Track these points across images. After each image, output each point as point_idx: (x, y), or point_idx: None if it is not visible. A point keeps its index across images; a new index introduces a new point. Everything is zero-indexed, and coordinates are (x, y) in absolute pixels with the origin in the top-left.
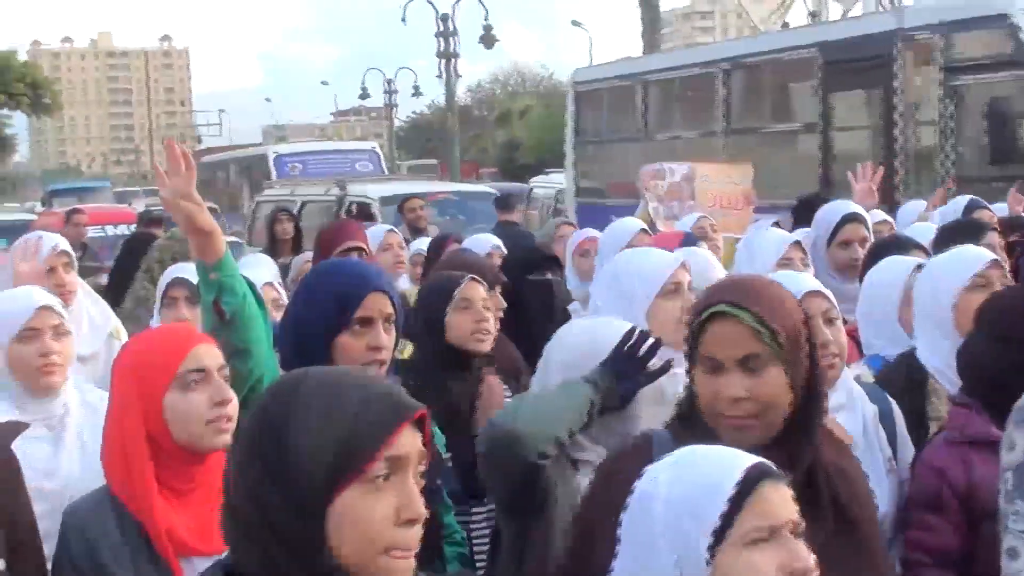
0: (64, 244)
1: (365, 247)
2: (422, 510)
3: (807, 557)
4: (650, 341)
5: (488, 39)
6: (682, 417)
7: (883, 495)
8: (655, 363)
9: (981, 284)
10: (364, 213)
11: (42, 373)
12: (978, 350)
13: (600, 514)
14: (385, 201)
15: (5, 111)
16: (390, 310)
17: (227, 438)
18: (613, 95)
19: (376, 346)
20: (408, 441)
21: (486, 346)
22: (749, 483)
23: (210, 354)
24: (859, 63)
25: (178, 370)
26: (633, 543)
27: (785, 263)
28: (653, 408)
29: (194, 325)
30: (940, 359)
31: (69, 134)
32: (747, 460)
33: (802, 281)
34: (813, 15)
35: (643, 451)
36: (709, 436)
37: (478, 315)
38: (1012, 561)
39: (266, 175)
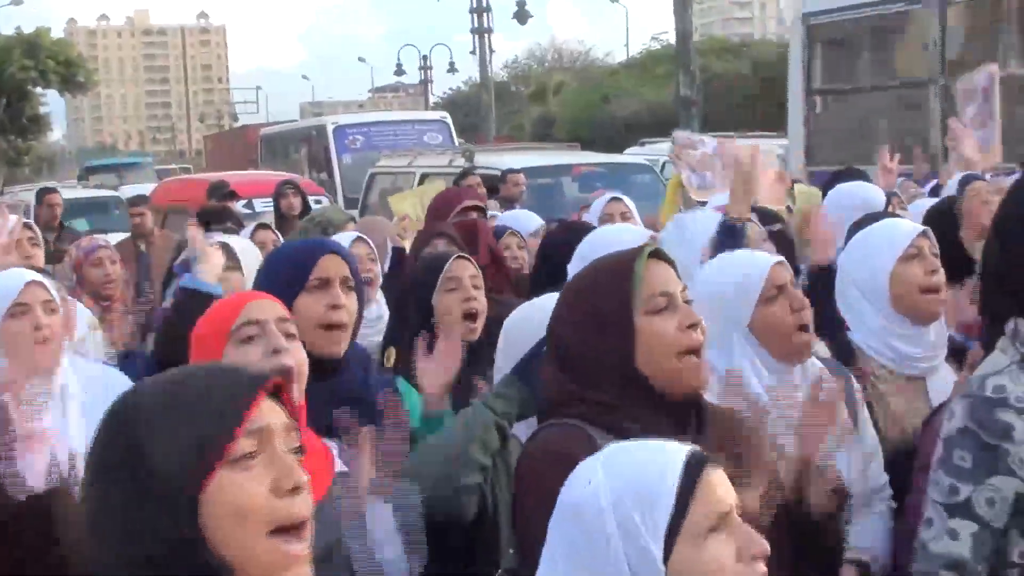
0: (25, 219)
1: (484, 206)
2: (302, 477)
3: (760, 539)
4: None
5: (522, 15)
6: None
7: (845, 463)
8: None
9: (913, 255)
10: (491, 188)
11: (35, 348)
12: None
13: None
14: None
15: (39, 89)
16: (347, 273)
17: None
18: (877, 28)
19: (335, 304)
20: (268, 413)
21: (475, 332)
22: (692, 472)
23: (265, 307)
24: None
25: (232, 326)
26: (574, 552)
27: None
28: None
29: (230, 288)
30: (872, 334)
31: (106, 113)
32: (681, 449)
33: (766, 255)
34: None
35: (582, 435)
36: (648, 392)
37: (465, 294)
38: (926, 530)
39: (325, 148)
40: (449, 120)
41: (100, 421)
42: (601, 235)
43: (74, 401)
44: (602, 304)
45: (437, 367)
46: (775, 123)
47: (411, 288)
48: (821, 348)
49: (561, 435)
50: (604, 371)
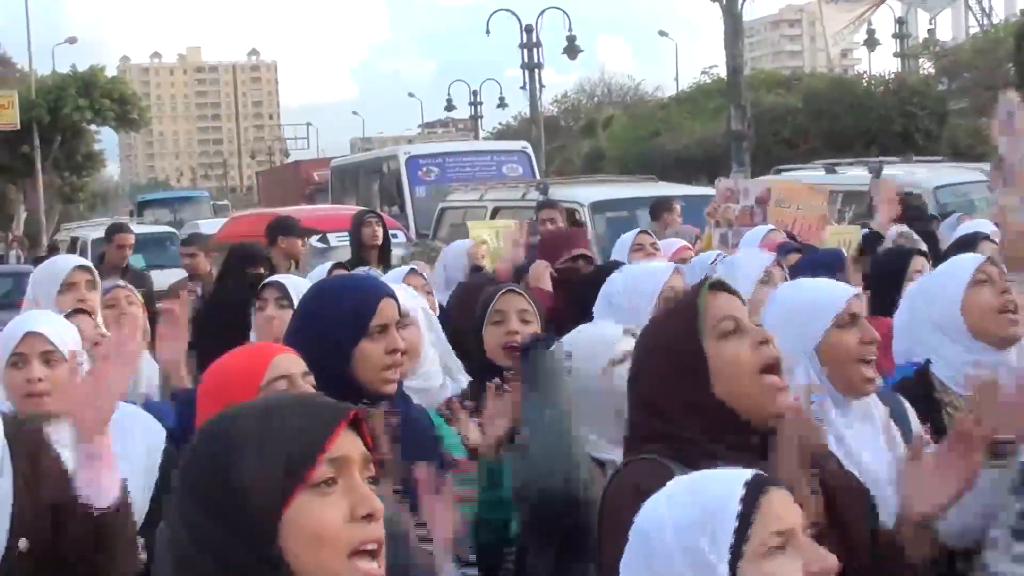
0: (82, 260)
1: (592, 255)
2: (377, 504)
3: (827, 556)
4: None
5: (572, 50)
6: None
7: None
8: None
9: (982, 280)
10: (570, 221)
11: (29, 401)
12: None
13: None
14: (597, 207)
15: (93, 127)
16: (399, 315)
17: None
18: None
19: (394, 348)
20: (347, 443)
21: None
22: (754, 493)
23: (292, 361)
24: None
25: (262, 381)
26: None
27: (765, 279)
28: None
29: (281, 326)
30: (951, 365)
31: (158, 149)
32: (743, 474)
33: (843, 284)
34: (900, 22)
35: (662, 469)
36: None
37: (508, 328)
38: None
39: (397, 180)
40: (530, 151)
41: (192, 442)
42: (626, 272)
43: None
44: (671, 339)
45: (489, 421)
46: (823, 156)
47: (466, 322)
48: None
49: (643, 471)
50: (682, 405)
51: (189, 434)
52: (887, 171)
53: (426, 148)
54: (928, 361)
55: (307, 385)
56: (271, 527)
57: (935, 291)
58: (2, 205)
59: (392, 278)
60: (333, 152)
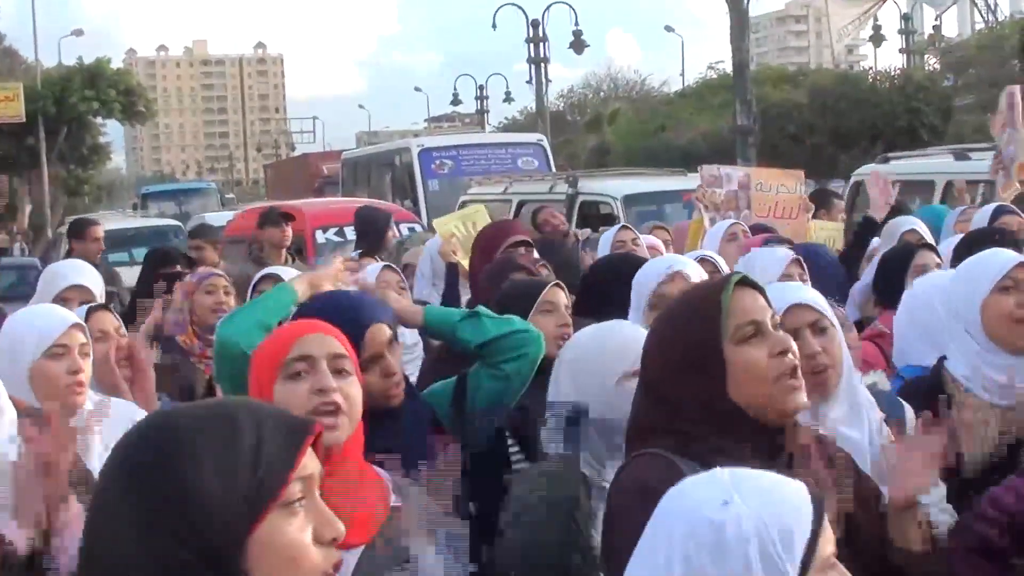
0: (76, 278)
1: (531, 240)
2: (341, 528)
3: None
4: None
5: (578, 45)
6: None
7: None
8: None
9: (1008, 286)
10: (598, 216)
11: (70, 391)
12: None
13: None
14: (629, 201)
15: (99, 119)
16: (390, 332)
17: (334, 434)
18: None
19: (390, 373)
20: (311, 460)
21: None
22: (819, 509)
23: (318, 342)
24: None
25: (284, 359)
26: (700, 571)
27: (785, 279)
28: None
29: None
30: (968, 364)
31: (164, 142)
32: (801, 484)
33: (788, 293)
34: (906, 18)
35: (669, 465)
36: (742, 420)
37: (561, 319)
38: None
39: (410, 172)
40: (546, 143)
41: (127, 448)
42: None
43: (94, 429)
44: (691, 338)
45: None
46: (828, 151)
47: (500, 310)
48: (881, 380)
49: (648, 466)
50: (696, 404)
51: None
52: None
53: (440, 140)
54: (944, 357)
55: (332, 369)
56: (237, 547)
57: (963, 285)
58: (7, 198)
59: (368, 274)
60: (339, 146)
